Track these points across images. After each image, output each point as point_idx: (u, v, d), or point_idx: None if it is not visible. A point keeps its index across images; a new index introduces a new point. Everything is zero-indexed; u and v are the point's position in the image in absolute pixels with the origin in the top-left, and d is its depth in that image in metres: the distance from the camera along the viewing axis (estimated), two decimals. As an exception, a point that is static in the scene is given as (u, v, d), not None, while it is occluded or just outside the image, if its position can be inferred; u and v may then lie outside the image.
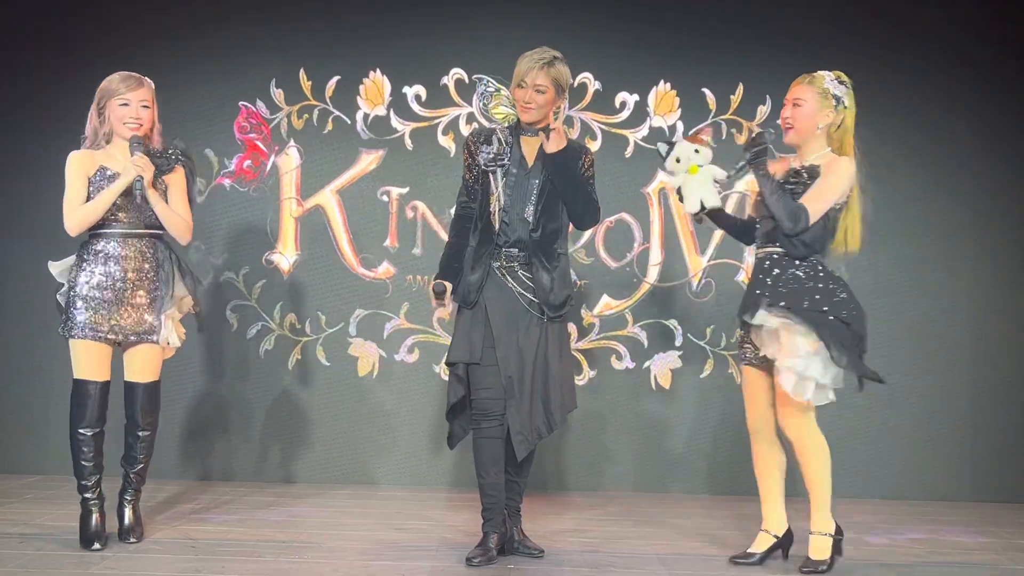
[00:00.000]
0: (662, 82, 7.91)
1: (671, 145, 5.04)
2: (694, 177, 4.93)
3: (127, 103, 5.27)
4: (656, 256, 8.08)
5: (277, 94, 7.92)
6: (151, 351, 5.46)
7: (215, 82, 7.97)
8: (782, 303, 4.89)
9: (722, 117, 7.85)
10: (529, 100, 5.28)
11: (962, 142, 7.91)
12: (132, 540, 5.51)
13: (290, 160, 8.02)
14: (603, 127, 7.93)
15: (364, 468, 7.68)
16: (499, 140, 5.35)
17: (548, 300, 5.34)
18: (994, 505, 7.68)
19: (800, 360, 4.87)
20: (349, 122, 8.07)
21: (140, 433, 5.52)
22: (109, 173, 5.28)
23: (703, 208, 5.04)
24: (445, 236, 7.49)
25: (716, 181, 5.09)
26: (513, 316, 5.33)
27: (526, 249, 5.32)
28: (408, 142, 7.83)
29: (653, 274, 8.01)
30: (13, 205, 7.89)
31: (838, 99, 5.01)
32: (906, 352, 7.95)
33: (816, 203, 4.93)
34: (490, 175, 5.26)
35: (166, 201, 5.34)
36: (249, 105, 7.89)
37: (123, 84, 5.31)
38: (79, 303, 5.25)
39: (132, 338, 5.39)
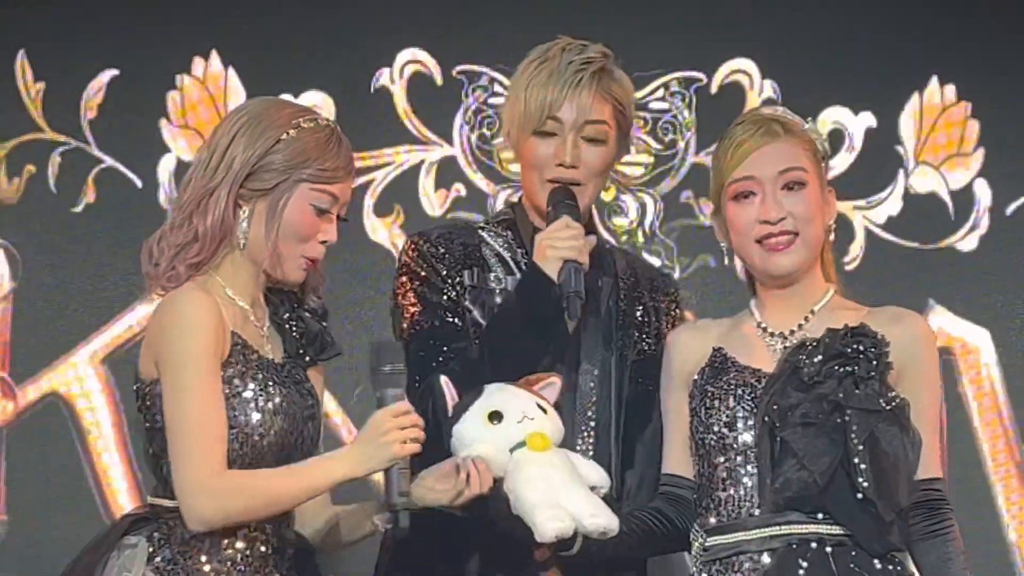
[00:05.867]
0: (934, 79, 5.59)
1: (465, 396, 3.49)
2: (551, 459, 3.42)
3: (329, 205, 3.48)
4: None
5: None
6: None
7: None
8: None
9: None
10: (574, 161, 3.65)
11: None
12: None
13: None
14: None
15: None
16: (501, 260, 3.78)
17: None
18: None
19: None
20: (138, 182, 5.66)
21: None
22: (259, 359, 3.46)
23: (588, 535, 3.39)
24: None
25: (593, 489, 3.52)
26: None
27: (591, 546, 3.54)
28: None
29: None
30: None
31: (825, 158, 3.69)
32: None
33: (935, 446, 3.58)
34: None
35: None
36: None
37: (336, 155, 3.48)
38: None
39: None
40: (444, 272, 3.79)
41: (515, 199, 4.12)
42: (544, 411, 3.53)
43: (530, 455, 3.44)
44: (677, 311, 3.95)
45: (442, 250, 3.82)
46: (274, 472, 3.45)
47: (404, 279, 3.83)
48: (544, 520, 3.33)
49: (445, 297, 3.77)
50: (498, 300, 3.75)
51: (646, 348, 3.83)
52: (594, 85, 3.71)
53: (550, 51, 3.77)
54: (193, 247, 3.51)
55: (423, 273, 3.81)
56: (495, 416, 3.46)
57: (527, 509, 3.38)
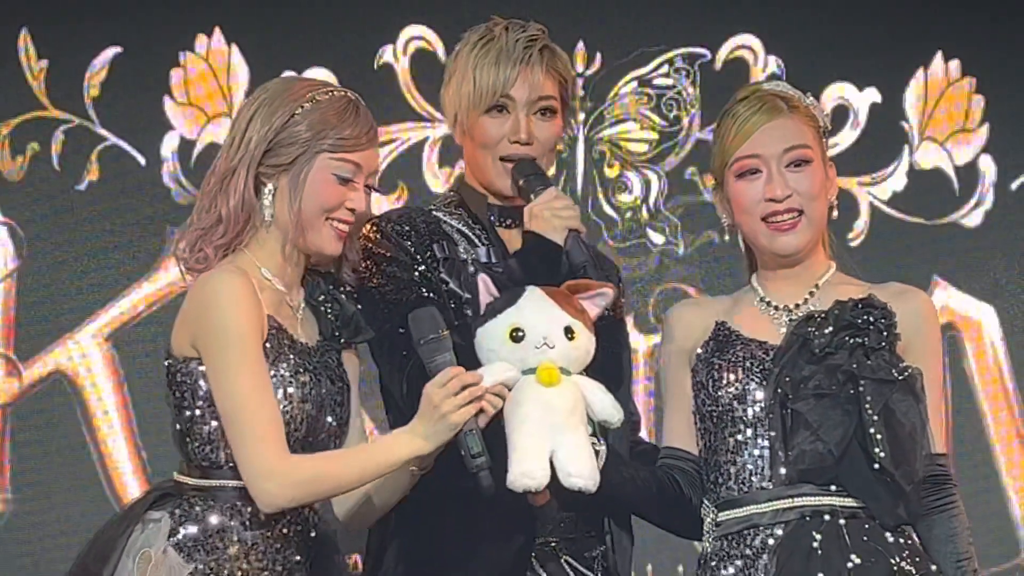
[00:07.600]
0: (939, 55, 5.59)
1: (500, 298, 3.38)
2: (553, 399, 3.29)
3: (352, 174, 3.44)
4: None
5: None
6: None
7: None
8: None
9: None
10: (529, 137, 3.63)
11: None
12: None
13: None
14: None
15: None
16: (463, 235, 3.73)
17: None
18: None
19: None
20: (142, 160, 5.60)
21: None
22: (292, 344, 3.44)
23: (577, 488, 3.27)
24: None
25: (601, 427, 3.37)
26: None
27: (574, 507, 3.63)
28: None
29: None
30: None
31: (826, 133, 3.67)
32: None
33: (938, 414, 3.52)
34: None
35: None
36: None
37: (354, 123, 3.45)
38: None
39: None
40: (412, 248, 3.77)
41: (455, 180, 4.10)
42: (571, 335, 3.46)
43: (535, 388, 3.39)
44: (619, 283, 3.93)
45: (407, 227, 3.78)
46: (339, 456, 3.46)
47: (369, 263, 3.78)
48: (517, 473, 3.29)
49: (416, 273, 3.73)
50: (471, 270, 3.71)
51: (607, 312, 3.80)
52: (543, 61, 3.73)
53: (492, 31, 3.77)
54: (218, 229, 3.51)
55: (388, 253, 3.78)
56: (517, 333, 3.42)
57: (510, 447, 3.33)
